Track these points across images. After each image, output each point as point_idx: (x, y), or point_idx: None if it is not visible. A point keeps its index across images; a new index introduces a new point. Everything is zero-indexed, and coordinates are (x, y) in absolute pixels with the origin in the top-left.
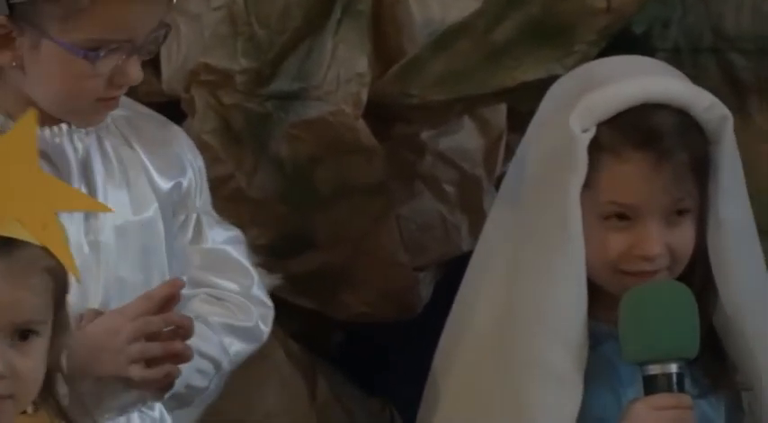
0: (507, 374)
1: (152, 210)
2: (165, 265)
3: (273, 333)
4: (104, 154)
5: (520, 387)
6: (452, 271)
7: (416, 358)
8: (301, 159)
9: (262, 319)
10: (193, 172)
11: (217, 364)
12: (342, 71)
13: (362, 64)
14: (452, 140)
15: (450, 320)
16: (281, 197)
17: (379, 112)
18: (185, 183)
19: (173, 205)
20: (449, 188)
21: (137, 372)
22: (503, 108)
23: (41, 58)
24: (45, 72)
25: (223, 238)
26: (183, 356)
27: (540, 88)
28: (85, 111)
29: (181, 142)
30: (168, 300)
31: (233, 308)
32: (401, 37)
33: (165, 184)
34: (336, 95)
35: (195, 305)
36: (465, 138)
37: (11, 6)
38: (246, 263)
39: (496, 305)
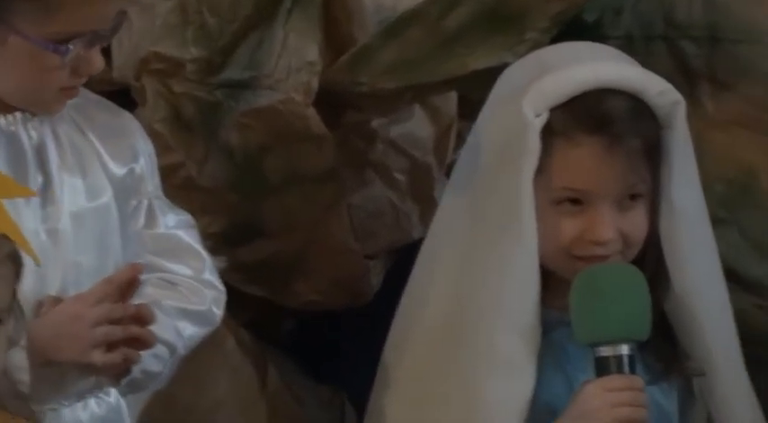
0: (459, 361)
1: (107, 196)
2: (119, 250)
3: (224, 321)
4: (59, 142)
5: (472, 374)
6: (403, 259)
7: (367, 346)
8: (252, 148)
9: (214, 302)
10: (145, 158)
11: (172, 349)
12: (292, 60)
13: (313, 52)
14: (403, 128)
15: (400, 308)
16: (232, 185)
17: (329, 101)
18: (138, 169)
19: (126, 191)
20: (399, 176)
21: (98, 357)
22: (453, 96)
23: (8, 52)
24: (11, 65)
25: (175, 223)
26: (144, 341)
27: (491, 76)
28: (48, 101)
29: (132, 129)
30: (129, 284)
31: (186, 292)
32: (352, 25)
33: (118, 171)
34: (287, 84)
35: (148, 290)
36: (416, 126)
37: None
38: (198, 247)
39: (448, 293)
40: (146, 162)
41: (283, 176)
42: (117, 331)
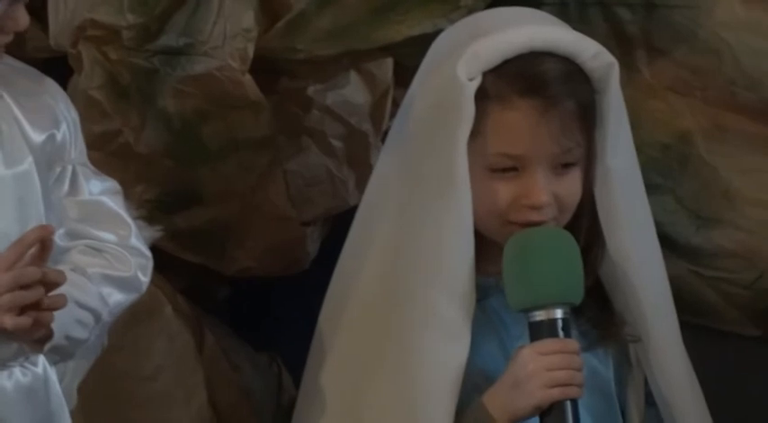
0: (395, 326)
1: (27, 163)
2: (42, 217)
3: (161, 288)
4: None
5: (408, 339)
6: (339, 226)
7: (303, 312)
8: (188, 115)
9: (140, 269)
10: (67, 124)
11: (96, 315)
12: (228, 26)
13: (249, 19)
14: (339, 95)
15: (336, 274)
16: (169, 152)
17: (265, 67)
18: (59, 135)
19: (47, 157)
20: (336, 143)
21: (9, 320)
22: (389, 63)
23: None
24: None
25: (99, 190)
26: (55, 303)
27: (426, 43)
28: None
29: (53, 94)
30: (42, 247)
31: (111, 259)
32: None
33: (38, 137)
34: (223, 50)
35: (73, 257)
36: (351, 92)
37: None
38: (123, 213)
39: (383, 258)
40: (68, 128)
41: (220, 143)
42: (25, 295)
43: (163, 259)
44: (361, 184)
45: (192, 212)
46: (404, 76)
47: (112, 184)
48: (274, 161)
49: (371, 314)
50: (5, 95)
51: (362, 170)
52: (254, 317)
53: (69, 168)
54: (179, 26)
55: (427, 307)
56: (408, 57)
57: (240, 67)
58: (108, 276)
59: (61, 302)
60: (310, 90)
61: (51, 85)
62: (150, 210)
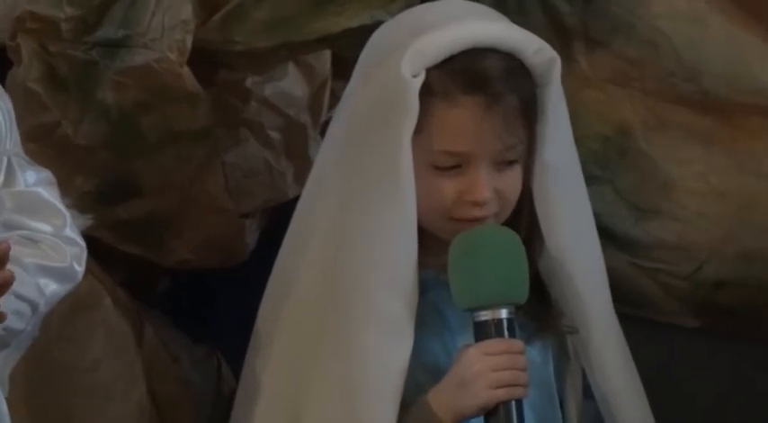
0: (336, 324)
1: None
2: None
3: (101, 280)
4: None
5: (350, 335)
6: (278, 218)
7: (242, 305)
8: (127, 106)
9: (75, 259)
10: (2, 114)
11: (34, 306)
12: (166, 18)
13: (187, 11)
14: (277, 87)
15: (276, 267)
16: (108, 144)
17: (204, 59)
18: None
19: None
20: (274, 134)
21: None
22: (327, 54)
23: None
24: None
25: (35, 180)
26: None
27: (364, 34)
28: None
29: None
30: None
31: (47, 249)
32: None
33: None
34: (161, 42)
35: None
36: (290, 84)
37: None
38: (58, 204)
39: (324, 252)
40: (2, 118)
41: (158, 135)
42: None
43: (102, 251)
44: (300, 175)
45: (130, 204)
46: (342, 68)
47: (47, 174)
48: (212, 153)
49: (312, 310)
50: None
51: (301, 162)
52: (194, 309)
53: (5, 159)
54: (117, 18)
55: (369, 304)
56: (347, 48)
57: (178, 59)
58: (44, 267)
59: (8, 279)
60: (248, 82)
61: None
62: (89, 201)
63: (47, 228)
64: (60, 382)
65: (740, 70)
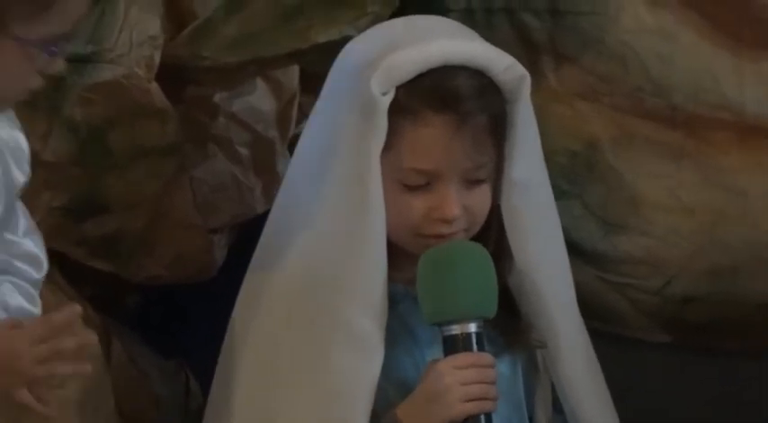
0: (307, 338)
1: None
2: None
3: (68, 296)
4: None
5: (320, 350)
6: (246, 233)
7: (211, 320)
8: (95, 122)
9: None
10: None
11: None
12: (134, 34)
13: (155, 26)
14: (245, 102)
15: (246, 283)
16: (76, 160)
17: (172, 75)
18: None
19: None
20: (242, 150)
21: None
22: (295, 70)
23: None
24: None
25: (25, 229)
26: None
27: (333, 50)
28: (10, 100)
29: None
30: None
31: (26, 296)
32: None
33: None
34: (129, 58)
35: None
36: (258, 99)
37: None
38: (40, 254)
39: (294, 268)
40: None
41: (127, 151)
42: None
43: (71, 267)
44: (268, 191)
45: (99, 220)
46: (310, 83)
47: (32, 222)
48: (181, 169)
49: (282, 326)
50: None
51: (269, 177)
52: (162, 324)
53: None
54: (85, 34)
55: (339, 319)
56: (315, 64)
57: (146, 75)
58: (24, 313)
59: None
60: (217, 97)
61: None
62: (57, 217)
63: (28, 275)
64: None
65: (709, 85)
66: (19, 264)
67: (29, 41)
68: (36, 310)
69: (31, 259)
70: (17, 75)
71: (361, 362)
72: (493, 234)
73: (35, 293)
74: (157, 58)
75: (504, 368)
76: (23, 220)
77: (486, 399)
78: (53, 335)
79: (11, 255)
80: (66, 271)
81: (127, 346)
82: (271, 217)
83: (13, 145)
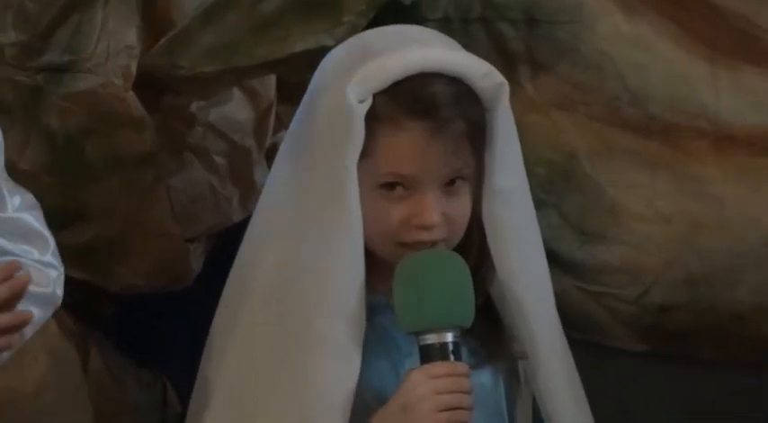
0: (285, 347)
1: None
2: None
3: None
4: None
5: (298, 360)
6: (223, 242)
7: (187, 329)
8: (72, 132)
9: (56, 283)
10: None
11: (21, 335)
12: (111, 43)
13: (132, 36)
14: (222, 112)
15: (225, 292)
16: (52, 169)
17: (148, 84)
18: None
19: None
20: (219, 159)
21: None
22: (272, 79)
23: None
24: None
25: (20, 204)
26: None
27: (309, 59)
28: None
29: None
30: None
31: (33, 276)
32: (170, 9)
33: None
34: (106, 68)
35: None
36: (235, 109)
37: None
38: (42, 228)
39: (273, 277)
40: None
41: (103, 160)
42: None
43: None
44: (245, 200)
45: (76, 229)
46: (287, 93)
47: (30, 197)
48: (158, 178)
49: (261, 335)
50: None
51: (246, 186)
52: (139, 333)
53: None
54: (62, 43)
55: (316, 328)
56: (291, 73)
57: (123, 85)
58: (29, 294)
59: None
60: (193, 107)
61: None
62: None
63: (31, 253)
64: (4, 406)
65: (685, 94)
66: (15, 244)
67: None
68: (44, 289)
69: (32, 235)
70: None
71: (339, 372)
72: (474, 244)
73: (39, 271)
74: (134, 68)
75: (486, 379)
76: (17, 196)
77: (460, 408)
78: None
79: (4, 233)
80: None
81: (104, 355)
82: (250, 225)
83: None
